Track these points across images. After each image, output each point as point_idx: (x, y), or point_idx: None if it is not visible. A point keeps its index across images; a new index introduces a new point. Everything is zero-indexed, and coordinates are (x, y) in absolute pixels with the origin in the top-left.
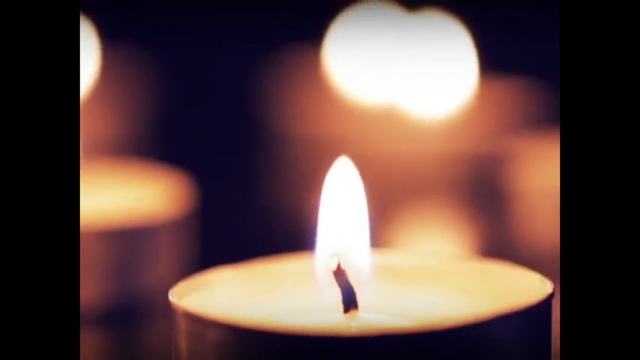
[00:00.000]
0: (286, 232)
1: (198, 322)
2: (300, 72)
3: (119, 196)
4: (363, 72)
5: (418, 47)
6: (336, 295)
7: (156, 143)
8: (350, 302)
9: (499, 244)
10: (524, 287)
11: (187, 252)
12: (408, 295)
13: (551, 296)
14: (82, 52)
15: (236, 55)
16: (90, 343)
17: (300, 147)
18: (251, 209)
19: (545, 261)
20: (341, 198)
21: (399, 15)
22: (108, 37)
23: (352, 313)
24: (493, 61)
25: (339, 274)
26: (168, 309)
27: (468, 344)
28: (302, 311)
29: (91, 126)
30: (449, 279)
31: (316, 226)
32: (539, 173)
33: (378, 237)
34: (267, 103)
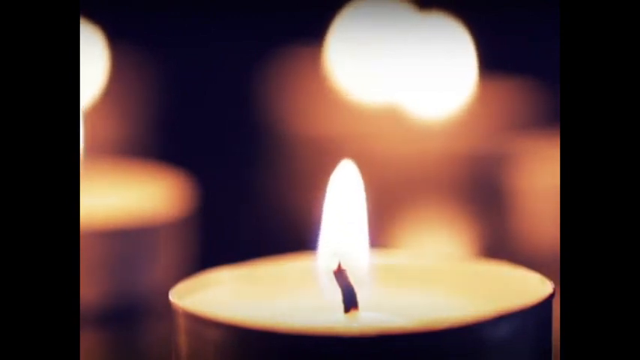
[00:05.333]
0: (286, 232)
1: (198, 322)
2: (301, 71)
3: (120, 196)
4: (364, 72)
5: (419, 47)
6: (336, 295)
7: (156, 143)
8: (350, 302)
9: (499, 244)
10: (524, 287)
11: (187, 252)
12: (408, 295)
13: (551, 296)
14: (88, 54)
15: (236, 55)
16: (90, 343)
17: (300, 146)
18: (251, 209)
19: (545, 261)
20: (343, 199)
21: (400, 15)
22: (111, 38)
23: (352, 313)
24: (493, 61)
25: (340, 274)
26: (168, 309)
27: (468, 344)
28: (302, 311)
29: (91, 126)
30: (449, 279)
31: (316, 226)
32: (539, 173)
33: (378, 237)
34: (268, 102)
